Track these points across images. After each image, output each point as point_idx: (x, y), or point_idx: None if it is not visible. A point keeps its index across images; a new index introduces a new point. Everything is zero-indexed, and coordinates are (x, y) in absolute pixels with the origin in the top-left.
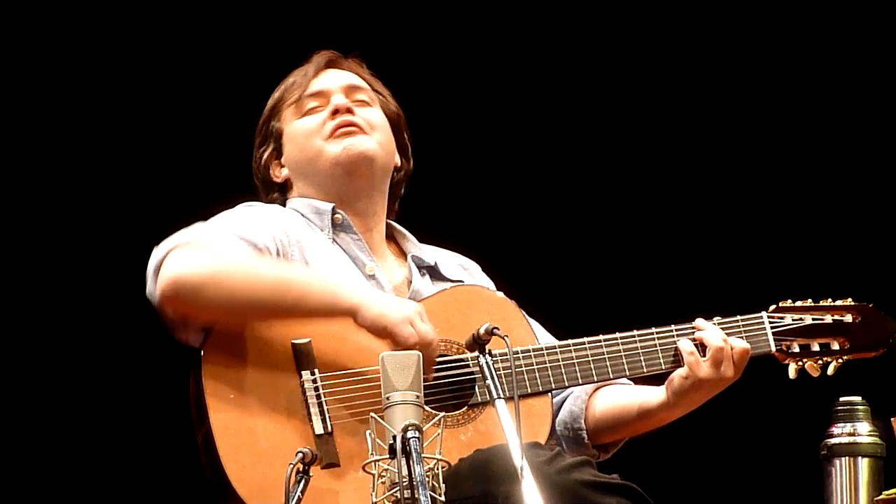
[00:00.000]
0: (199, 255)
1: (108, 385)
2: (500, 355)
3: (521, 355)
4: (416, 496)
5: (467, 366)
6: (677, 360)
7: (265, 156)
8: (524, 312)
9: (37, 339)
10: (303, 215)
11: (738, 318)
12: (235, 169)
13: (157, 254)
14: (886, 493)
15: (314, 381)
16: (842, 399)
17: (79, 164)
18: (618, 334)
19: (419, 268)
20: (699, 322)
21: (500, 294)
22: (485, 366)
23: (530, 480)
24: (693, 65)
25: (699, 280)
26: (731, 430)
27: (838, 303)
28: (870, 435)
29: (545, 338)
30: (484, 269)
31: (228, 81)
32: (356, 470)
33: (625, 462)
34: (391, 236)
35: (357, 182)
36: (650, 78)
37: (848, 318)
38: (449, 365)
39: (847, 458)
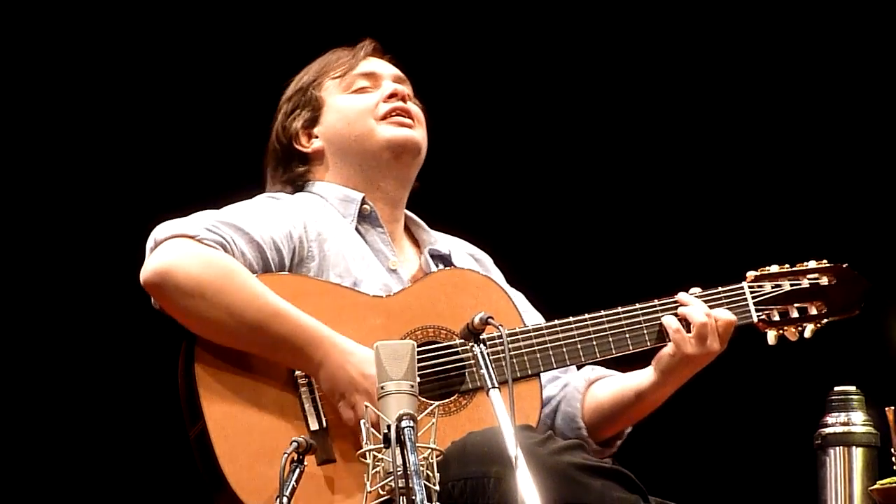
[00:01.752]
0: (199, 259)
1: (98, 378)
2: (488, 339)
3: (509, 340)
4: (411, 485)
5: (457, 353)
6: (662, 336)
7: (297, 123)
8: (507, 289)
9: (29, 334)
10: (326, 201)
11: (720, 289)
12: (241, 158)
13: (159, 232)
14: (881, 482)
15: (307, 376)
16: (836, 389)
17: (85, 156)
18: (602, 312)
19: (432, 257)
20: (681, 296)
21: (484, 275)
22: (479, 355)
23: (523, 467)
24: (672, 49)
25: (677, 250)
26: (726, 420)
27: (813, 264)
28: (864, 424)
29: (530, 313)
30: (490, 255)
31: (236, 73)
32: (353, 463)
33: (619, 450)
34: (405, 224)
35: (399, 169)
36: (630, 61)
37: (824, 280)
38: (439, 353)
39: (841, 447)
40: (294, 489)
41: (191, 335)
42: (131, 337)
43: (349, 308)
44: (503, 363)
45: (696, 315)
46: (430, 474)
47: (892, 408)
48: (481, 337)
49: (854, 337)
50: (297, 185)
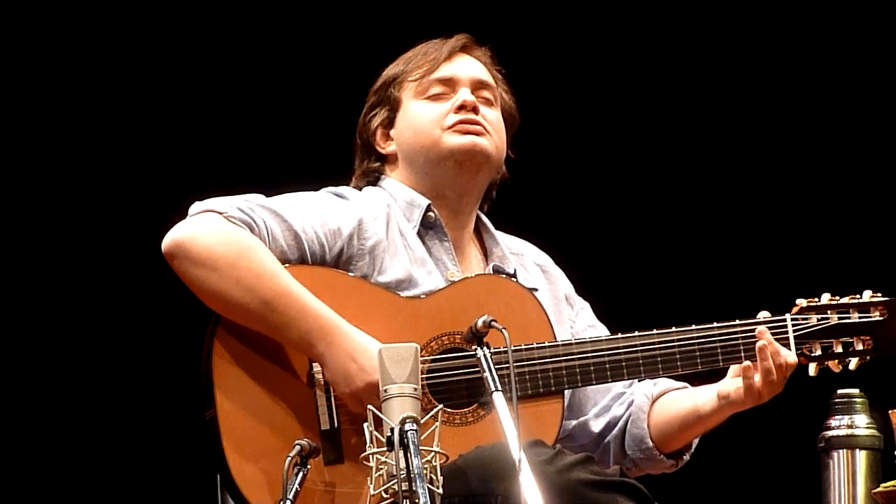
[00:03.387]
0: (217, 232)
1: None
2: (514, 350)
3: (526, 352)
4: (414, 488)
5: (479, 363)
6: (696, 363)
7: (375, 121)
8: (544, 305)
9: (38, 326)
10: (395, 200)
11: (761, 320)
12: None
13: (194, 207)
14: (884, 485)
15: (324, 374)
16: (840, 391)
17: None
18: (636, 333)
19: (495, 273)
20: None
21: (521, 285)
22: (482, 358)
23: (528, 474)
24: (714, 73)
25: (721, 279)
26: (729, 423)
27: (867, 296)
28: (867, 427)
29: (596, 327)
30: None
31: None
32: (360, 467)
33: None
34: (476, 230)
35: (464, 177)
36: (721, 82)
37: (875, 314)
38: (461, 361)
39: (845, 450)
40: (297, 492)
41: (216, 316)
42: (153, 321)
43: (377, 306)
44: (527, 383)
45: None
46: (434, 477)
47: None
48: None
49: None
50: (370, 178)
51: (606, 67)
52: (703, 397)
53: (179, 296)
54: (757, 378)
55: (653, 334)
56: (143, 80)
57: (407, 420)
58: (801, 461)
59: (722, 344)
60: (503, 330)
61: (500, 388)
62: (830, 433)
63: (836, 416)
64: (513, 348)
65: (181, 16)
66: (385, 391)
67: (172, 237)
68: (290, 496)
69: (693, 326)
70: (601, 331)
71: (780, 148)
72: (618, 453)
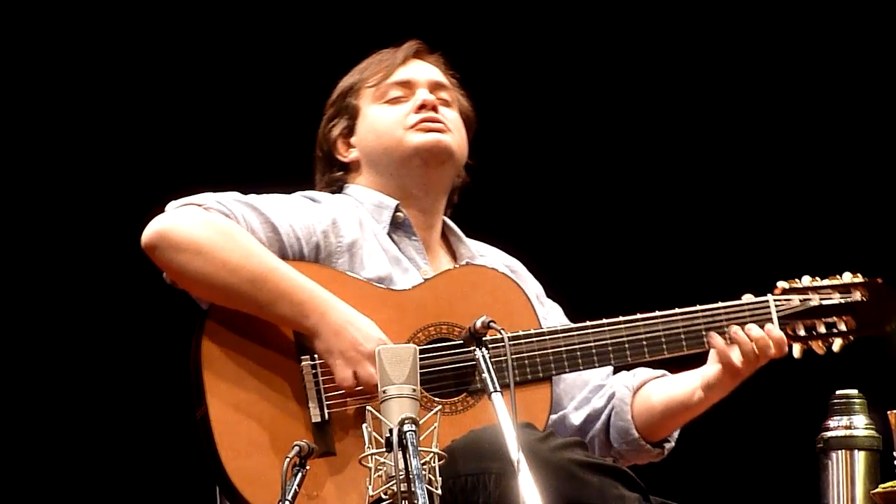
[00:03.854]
0: (198, 219)
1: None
2: (493, 342)
3: (514, 342)
4: (413, 489)
5: (468, 352)
6: (681, 346)
7: (335, 131)
8: (534, 292)
9: (35, 324)
10: (362, 204)
11: (745, 301)
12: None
13: (173, 203)
14: (883, 486)
15: (314, 367)
16: (838, 392)
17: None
18: (621, 318)
19: None
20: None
21: (505, 274)
22: (481, 360)
23: (525, 470)
24: (691, 58)
25: (711, 259)
26: (727, 423)
27: (847, 277)
28: (866, 428)
29: (559, 321)
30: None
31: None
32: (353, 459)
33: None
34: (443, 233)
35: (430, 175)
36: (670, 74)
37: (856, 295)
38: (448, 351)
39: (843, 451)
40: (296, 493)
41: (203, 314)
42: (143, 318)
43: (363, 298)
44: (504, 365)
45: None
46: (433, 478)
47: (895, 411)
48: (484, 339)
49: (856, 340)
50: (334, 188)
51: (558, 61)
52: (687, 385)
53: (163, 296)
54: (735, 355)
55: (637, 319)
56: (116, 86)
57: (406, 421)
58: (800, 462)
59: (706, 326)
60: (502, 331)
61: (499, 388)
62: (829, 434)
63: (835, 417)
64: (509, 342)
65: (154, 22)
66: (384, 392)
67: (153, 228)
68: (290, 497)
69: (677, 310)
70: None
71: (754, 133)
72: (603, 446)
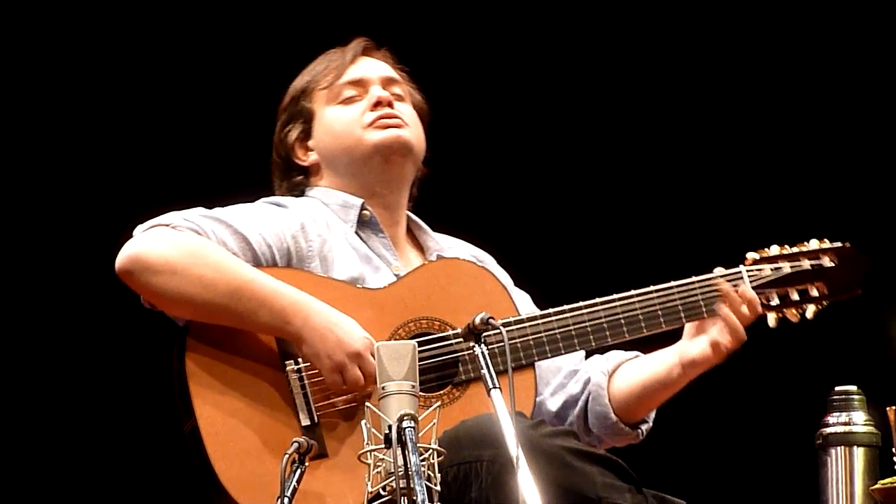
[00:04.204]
0: (169, 240)
1: (95, 374)
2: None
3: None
4: (412, 486)
5: (450, 345)
6: (659, 322)
7: (292, 136)
8: (507, 285)
9: (27, 330)
10: (327, 206)
11: (717, 273)
12: (248, 164)
13: (140, 227)
14: (882, 482)
15: (298, 371)
16: (837, 388)
17: (85, 157)
18: (597, 299)
19: None
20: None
21: (479, 265)
22: (481, 356)
23: (524, 466)
24: (649, 36)
25: (679, 235)
26: (727, 419)
27: (814, 244)
28: (865, 424)
29: (529, 309)
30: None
31: (233, 75)
32: (345, 459)
33: (624, 450)
34: (408, 227)
35: (392, 171)
36: (621, 47)
37: (826, 261)
38: (431, 345)
39: (842, 447)
40: (295, 490)
41: (183, 330)
42: (126, 332)
43: (341, 299)
44: (497, 358)
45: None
46: (432, 475)
47: (894, 407)
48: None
49: (855, 336)
50: (297, 192)
51: (512, 43)
52: (664, 363)
53: (139, 313)
54: (716, 331)
55: (614, 299)
56: (76, 102)
57: (405, 417)
58: (799, 458)
59: (682, 301)
60: (501, 327)
61: (497, 385)
62: (828, 430)
63: (834, 413)
64: (504, 338)
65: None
66: (383, 388)
67: (125, 254)
68: (288, 493)
69: (652, 287)
70: None
71: (711, 110)
72: (581, 431)
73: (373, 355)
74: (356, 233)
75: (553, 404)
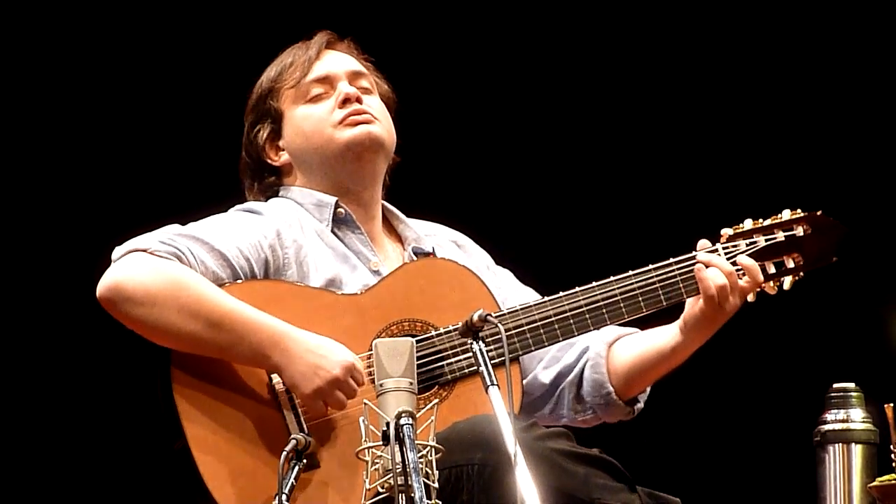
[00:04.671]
0: (149, 269)
1: (81, 388)
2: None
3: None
4: (410, 483)
5: (433, 345)
6: (659, 301)
7: (261, 136)
8: (483, 273)
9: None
10: (302, 206)
11: (694, 254)
12: (219, 168)
13: (117, 251)
14: (880, 479)
15: (285, 384)
16: (835, 385)
17: (63, 160)
18: (577, 288)
19: (416, 255)
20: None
21: (455, 262)
22: (479, 353)
23: (522, 464)
24: (625, 23)
25: (658, 215)
26: (725, 416)
27: (787, 215)
28: (863, 421)
29: (521, 291)
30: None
31: (210, 76)
32: (337, 471)
33: (618, 445)
34: (384, 217)
35: (365, 168)
36: (601, 35)
37: (799, 230)
38: (418, 345)
39: (840, 444)
40: (293, 486)
41: (166, 351)
42: (113, 348)
43: (321, 309)
44: (507, 365)
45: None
46: (430, 472)
47: (892, 405)
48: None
49: (853, 334)
50: (270, 193)
51: (483, 26)
52: (665, 335)
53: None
54: (705, 301)
55: (593, 287)
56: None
57: (403, 414)
58: (797, 455)
59: (661, 284)
60: (499, 325)
61: (496, 382)
62: (826, 427)
63: (832, 411)
64: (502, 335)
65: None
66: (381, 385)
67: (105, 284)
68: (286, 490)
69: (630, 272)
70: (531, 293)
71: (685, 94)
72: (573, 400)
73: (354, 377)
74: (332, 231)
75: (546, 376)
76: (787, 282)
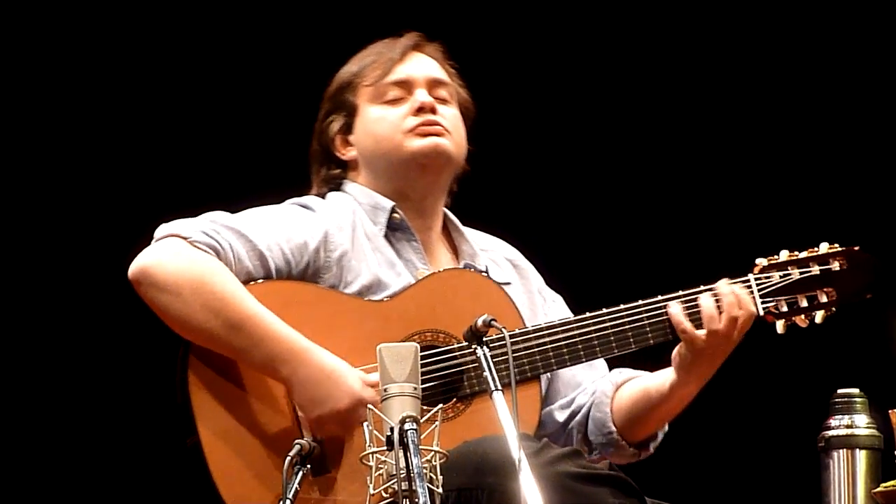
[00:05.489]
0: (182, 258)
1: (98, 382)
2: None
3: (511, 340)
4: (414, 488)
5: (455, 357)
6: (665, 332)
7: (333, 127)
8: (511, 295)
9: (30, 337)
10: (360, 205)
11: (725, 282)
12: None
13: (159, 230)
14: (884, 485)
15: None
16: (840, 391)
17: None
18: (604, 310)
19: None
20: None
21: (483, 275)
22: (482, 358)
23: (527, 472)
24: (672, 50)
25: (695, 243)
26: (729, 422)
27: (824, 248)
28: (867, 427)
29: (562, 313)
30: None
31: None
32: (349, 474)
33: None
34: (444, 227)
35: (427, 179)
36: (642, 63)
37: (835, 265)
38: (437, 357)
39: (845, 450)
40: (297, 492)
41: (186, 344)
42: (133, 340)
43: (344, 314)
44: (504, 366)
45: (707, 308)
46: (434, 477)
47: None
48: (485, 339)
49: (858, 339)
50: (333, 185)
51: (560, 47)
52: (664, 374)
53: (147, 322)
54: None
55: (620, 310)
56: (102, 102)
57: (407, 419)
58: (801, 461)
59: (687, 312)
60: (503, 328)
61: (500, 387)
62: (830, 433)
63: (836, 416)
64: (510, 340)
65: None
66: (385, 390)
67: (138, 264)
68: (290, 495)
69: (659, 297)
70: None
71: (726, 124)
72: (581, 441)
73: (360, 410)
74: (386, 236)
75: (561, 416)
76: (819, 316)
